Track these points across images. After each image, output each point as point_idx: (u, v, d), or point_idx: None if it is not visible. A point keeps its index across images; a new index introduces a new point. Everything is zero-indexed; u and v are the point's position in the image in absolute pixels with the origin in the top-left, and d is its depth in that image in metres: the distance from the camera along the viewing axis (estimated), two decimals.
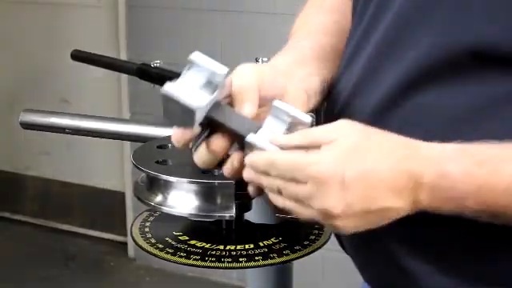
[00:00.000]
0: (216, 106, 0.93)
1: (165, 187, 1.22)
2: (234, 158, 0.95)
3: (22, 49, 3.94)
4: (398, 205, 0.86)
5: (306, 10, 1.19)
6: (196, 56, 0.93)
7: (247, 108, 0.94)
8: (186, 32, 3.32)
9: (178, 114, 0.91)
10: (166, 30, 3.37)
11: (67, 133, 1.67)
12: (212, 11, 3.25)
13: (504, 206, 0.84)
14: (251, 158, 0.91)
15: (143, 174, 1.27)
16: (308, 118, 0.91)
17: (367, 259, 1.06)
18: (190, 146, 0.96)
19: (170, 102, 0.90)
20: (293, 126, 0.92)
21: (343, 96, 1.02)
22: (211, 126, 0.95)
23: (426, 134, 0.88)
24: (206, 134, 0.95)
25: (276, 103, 0.92)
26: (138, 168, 1.23)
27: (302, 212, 0.89)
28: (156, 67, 1.95)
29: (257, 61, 1.45)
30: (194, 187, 1.18)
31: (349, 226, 0.87)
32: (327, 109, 1.08)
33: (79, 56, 2.23)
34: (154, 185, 1.24)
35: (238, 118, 0.94)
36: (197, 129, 0.94)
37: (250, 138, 0.91)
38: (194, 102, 0.89)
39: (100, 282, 3.56)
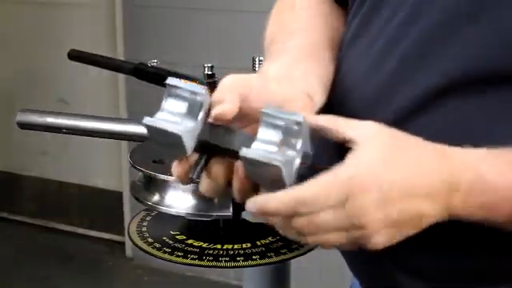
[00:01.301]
0: (207, 128, 0.85)
1: (162, 187, 1.22)
2: (236, 182, 0.86)
3: (19, 48, 3.93)
4: (433, 211, 0.83)
5: (279, 16, 1.13)
6: (172, 81, 0.85)
7: (224, 106, 0.84)
8: (183, 31, 3.32)
9: (168, 145, 0.83)
10: (162, 30, 3.37)
11: (64, 133, 1.66)
12: (209, 10, 3.25)
13: None
14: (270, 203, 0.81)
15: (140, 174, 1.27)
16: (299, 117, 0.82)
17: (364, 274, 1.06)
18: (191, 175, 0.87)
19: (156, 135, 0.84)
20: (288, 130, 0.82)
21: (357, 98, 0.98)
22: (207, 150, 0.86)
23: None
24: (203, 160, 0.86)
25: (264, 109, 0.83)
26: (135, 167, 1.23)
27: (335, 240, 0.82)
28: (153, 66, 1.95)
29: (253, 60, 1.45)
30: (191, 186, 1.18)
31: (383, 240, 0.82)
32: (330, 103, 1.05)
33: (76, 56, 2.22)
34: (151, 184, 1.24)
35: (232, 136, 0.85)
36: (192, 157, 0.86)
37: (244, 152, 0.80)
38: (177, 127, 0.82)
39: (98, 281, 3.56)
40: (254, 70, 1.44)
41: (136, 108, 3.51)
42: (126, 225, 3.51)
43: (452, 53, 0.89)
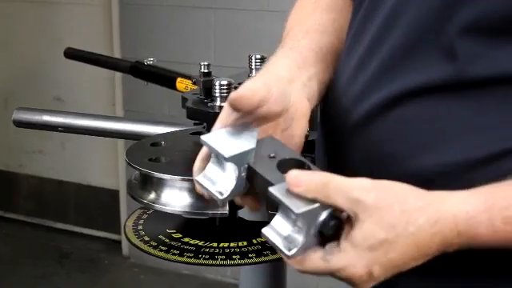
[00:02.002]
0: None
1: (158, 185, 1.22)
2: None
3: (15, 47, 3.93)
4: (421, 262, 0.86)
5: (301, 8, 1.17)
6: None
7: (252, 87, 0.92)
8: (180, 29, 3.32)
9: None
10: (159, 28, 3.37)
11: (60, 131, 1.67)
12: (205, 8, 3.25)
13: None
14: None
15: (137, 172, 1.27)
16: (298, 210, 0.83)
17: None
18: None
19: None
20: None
21: (346, 96, 1.01)
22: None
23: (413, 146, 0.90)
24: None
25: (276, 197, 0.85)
26: (131, 166, 1.23)
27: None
28: (149, 65, 1.95)
29: (250, 58, 1.44)
30: (187, 185, 1.18)
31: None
32: (323, 109, 1.08)
33: (72, 54, 2.23)
34: (148, 182, 1.24)
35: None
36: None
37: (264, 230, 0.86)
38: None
39: (94, 280, 3.56)
40: (250, 68, 1.43)
41: (133, 106, 3.50)
42: (122, 223, 3.51)
43: (425, 59, 0.91)
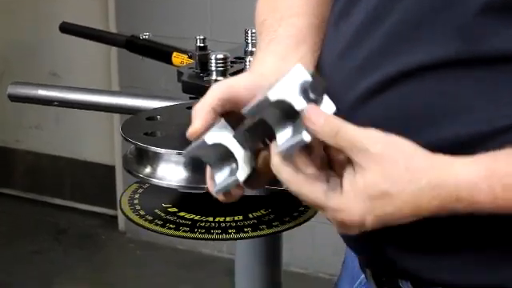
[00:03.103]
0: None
1: (154, 159, 1.22)
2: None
3: (10, 22, 3.91)
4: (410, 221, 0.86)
5: None
6: None
7: (193, 125, 0.93)
8: (176, 4, 3.30)
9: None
10: (155, 2, 3.35)
11: (55, 105, 1.66)
12: None
13: None
14: (283, 177, 0.87)
15: (132, 146, 1.27)
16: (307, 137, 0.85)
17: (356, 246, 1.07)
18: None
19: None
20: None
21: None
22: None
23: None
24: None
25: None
26: (127, 140, 1.23)
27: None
28: (145, 39, 1.94)
29: (246, 32, 1.44)
30: (183, 159, 1.18)
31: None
32: None
33: (68, 28, 2.21)
34: (143, 157, 1.24)
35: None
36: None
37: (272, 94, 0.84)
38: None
39: (90, 255, 3.57)
40: (246, 43, 1.43)
41: (128, 81, 3.50)
42: (118, 199, 3.51)
43: (427, 38, 0.91)
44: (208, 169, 0.96)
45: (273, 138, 0.88)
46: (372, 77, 0.94)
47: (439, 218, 0.87)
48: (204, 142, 0.91)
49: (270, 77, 0.96)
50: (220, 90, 0.94)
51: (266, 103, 0.84)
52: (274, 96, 0.83)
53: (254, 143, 0.91)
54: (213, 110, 0.93)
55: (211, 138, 0.91)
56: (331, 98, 0.91)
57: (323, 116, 0.84)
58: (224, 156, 0.92)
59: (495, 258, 0.93)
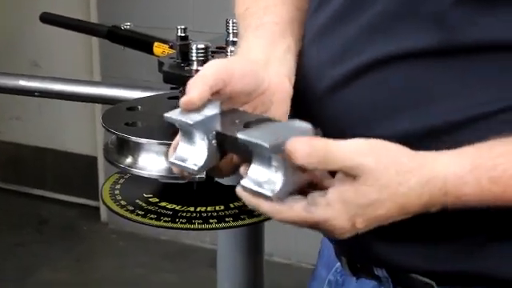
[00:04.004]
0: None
1: (135, 149, 1.21)
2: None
3: None
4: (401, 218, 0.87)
5: None
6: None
7: (190, 94, 0.89)
8: None
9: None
10: None
11: (37, 96, 1.65)
12: None
13: None
14: (258, 206, 0.85)
15: (113, 137, 1.27)
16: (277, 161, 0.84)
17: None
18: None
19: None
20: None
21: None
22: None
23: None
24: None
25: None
26: (108, 130, 1.22)
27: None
28: (126, 29, 1.93)
29: (227, 22, 1.43)
30: (164, 149, 1.18)
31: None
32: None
33: (49, 19, 2.20)
34: (124, 147, 1.23)
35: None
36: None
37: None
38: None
39: (73, 246, 3.56)
40: (227, 33, 1.43)
41: (110, 71, 3.49)
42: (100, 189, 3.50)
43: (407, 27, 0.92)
44: (177, 137, 0.93)
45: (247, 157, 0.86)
46: (346, 64, 0.95)
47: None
48: (187, 117, 0.88)
49: (260, 62, 0.97)
50: (217, 69, 0.92)
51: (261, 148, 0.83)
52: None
53: (224, 147, 0.90)
54: (209, 88, 0.91)
55: (195, 117, 0.88)
56: (305, 85, 0.91)
57: (303, 145, 0.82)
58: (196, 137, 0.90)
59: (472, 247, 0.94)
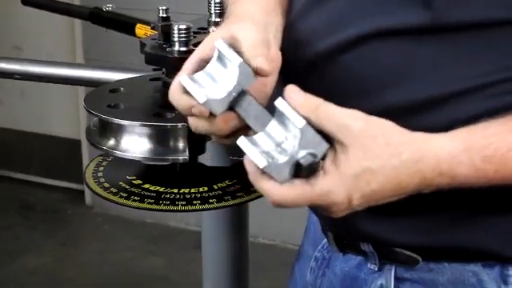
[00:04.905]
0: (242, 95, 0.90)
1: (117, 131, 1.21)
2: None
3: None
4: (396, 199, 0.88)
5: None
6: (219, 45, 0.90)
7: (259, 62, 0.90)
8: None
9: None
10: None
11: (17, 78, 1.64)
12: None
13: None
14: (263, 188, 0.86)
15: (95, 119, 1.26)
16: (301, 123, 0.84)
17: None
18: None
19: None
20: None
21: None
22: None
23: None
24: None
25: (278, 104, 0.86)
26: (90, 112, 1.22)
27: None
28: (108, 11, 1.92)
29: (209, 3, 1.42)
30: (146, 130, 1.17)
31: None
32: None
33: (30, 1, 2.18)
34: (107, 129, 1.23)
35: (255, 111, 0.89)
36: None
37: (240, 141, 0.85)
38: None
39: (58, 230, 3.55)
40: (209, 13, 1.42)
41: (93, 54, 3.47)
42: None
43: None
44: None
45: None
46: (333, 38, 0.95)
47: None
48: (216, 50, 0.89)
49: (259, 25, 0.97)
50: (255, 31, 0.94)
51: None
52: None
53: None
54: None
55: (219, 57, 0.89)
56: (292, 57, 0.90)
57: (303, 94, 0.84)
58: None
59: (456, 221, 0.94)
